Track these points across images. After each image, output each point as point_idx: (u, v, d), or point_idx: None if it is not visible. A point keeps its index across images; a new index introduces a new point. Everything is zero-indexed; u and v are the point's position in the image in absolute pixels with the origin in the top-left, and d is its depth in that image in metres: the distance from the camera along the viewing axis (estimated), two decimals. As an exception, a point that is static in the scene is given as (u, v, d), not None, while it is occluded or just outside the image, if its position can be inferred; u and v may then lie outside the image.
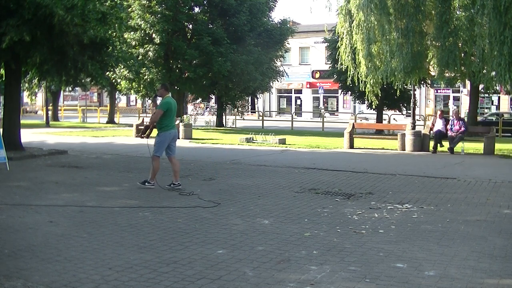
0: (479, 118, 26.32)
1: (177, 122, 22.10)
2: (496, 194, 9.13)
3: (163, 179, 9.84)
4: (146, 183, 9.50)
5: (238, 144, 18.69)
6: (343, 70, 19.23)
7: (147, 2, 25.95)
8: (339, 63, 19.61)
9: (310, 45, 49.07)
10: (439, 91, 44.29)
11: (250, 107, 51.37)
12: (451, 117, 17.57)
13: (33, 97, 32.90)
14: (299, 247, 5.80)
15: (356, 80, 18.11)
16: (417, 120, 24.18)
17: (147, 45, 26.10)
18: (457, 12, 16.26)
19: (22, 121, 16.08)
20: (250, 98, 43.48)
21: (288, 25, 30.38)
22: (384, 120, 28.81)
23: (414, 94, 21.60)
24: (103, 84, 16.31)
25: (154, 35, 25.77)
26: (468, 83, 27.00)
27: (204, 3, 28.13)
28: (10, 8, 12.16)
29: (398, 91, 20.51)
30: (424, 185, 10.00)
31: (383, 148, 17.61)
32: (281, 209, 7.79)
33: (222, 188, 9.46)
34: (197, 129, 26.51)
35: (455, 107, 34.95)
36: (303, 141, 20.18)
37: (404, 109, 28.66)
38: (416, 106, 28.14)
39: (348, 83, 20.67)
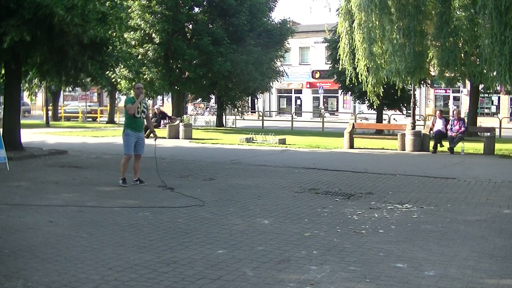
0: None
1: (177, 122, 22.14)
2: (496, 194, 9.13)
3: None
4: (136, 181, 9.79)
5: (238, 144, 18.69)
6: (343, 70, 19.22)
7: (147, 2, 25.95)
8: (339, 63, 19.61)
9: (310, 45, 49.08)
10: (439, 91, 44.30)
11: (250, 107, 51.37)
12: (451, 117, 17.57)
13: (33, 97, 32.95)
14: (299, 247, 5.80)
15: (355, 80, 18.11)
16: (417, 120, 24.18)
17: (146, 45, 26.10)
18: (457, 12, 16.25)
19: (22, 121, 16.08)
20: (250, 98, 43.47)
21: (288, 25, 30.38)
22: (384, 120, 28.81)
23: (414, 94, 21.59)
24: (103, 84, 16.32)
25: (154, 35, 25.77)
26: (468, 83, 26.99)
27: (204, 3, 28.13)
28: (10, 8, 12.17)
29: (399, 91, 20.52)
30: (424, 185, 10.00)
31: (383, 148, 17.61)
32: (281, 209, 7.79)
33: (222, 188, 9.46)
34: (197, 129, 26.51)
35: (455, 107, 34.96)
36: (303, 141, 20.18)
37: (404, 109, 28.67)
38: (416, 106, 28.14)
39: (347, 83, 20.68)
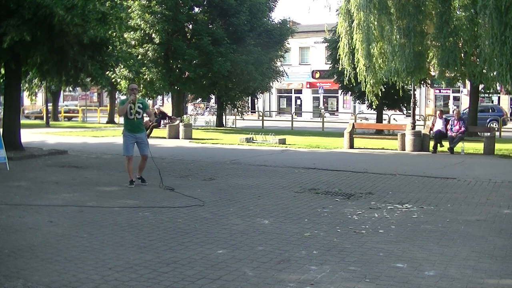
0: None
1: (177, 122, 22.13)
2: (496, 194, 9.13)
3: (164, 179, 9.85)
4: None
5: (238, 144, 18.68)
6: (343, 70, 19.25)
7: (147, 2, 25.95)
8: (339, 63, 19.64)
9: (310, 45, 49.09)
10: (439, 91, 44.30)
11: (250, 107, 51.38)
12: (451, 117, 17.57)
13: (33, 97, 32.97)
14: (299, 247, 5.80)
15: (353, 80, 18.12)
16: (417, 120, 24.18)
17: (146, 45, 26.10)
18: (457, 12, 16.27)
19: (22, 121, 16.08)
20: (250, 98, 43.47)
21: (288, 25, 30.38)
22: (384, 120, 28.81)
23: (414, 94, 21.59)
24: (103, 84, 16.32)
25: (154, 35, 25.77)
26: (468, 83, 27.00)
27: (204, 3, 28.13)
28: (10, 8, 12.17)
29: (400, 91, 20.51)
30: (424, 185, 10.00)
31: (383, 148, 17.61)
32: (281, 209, 7.79)
33: (222, 188, 9.46)
34: (197, 129, 26.51)
35: (455, 107, 34.97)
36: (303, 141, 20.18)
37: (404, 109, 28.69)
38: (416, 106, 28.13)
39: (345, 83, 20.69)
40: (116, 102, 38.32)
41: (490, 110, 33.66)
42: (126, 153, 9.67)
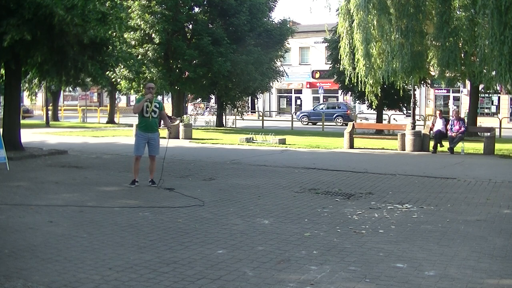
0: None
1: (177, 122, 22.12)
2: (496, 194, 9.13)
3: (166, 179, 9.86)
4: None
5: (238, 144, 18.68)
6: (343, 70, 19.27)
7: (147, 2, 25.95)
8: (339, 63, 19.65)
9: (310, 45, 49.09)
10: (439, 91, 44.30)
11: (250, 107, 51.38)
12: (451, 117, 17.59)
13: (33, 97, 32.94)
14: (299, 247, 5.80)
15: (354, 80, 18.13)
16: (417, 120, 24.20)
17: (146, 45, 26.09)
18: (457, 12, 16.28)
19: (22, 121, 16.06)
20: (250, 98, 43.49)
21: (288, 25, 30.39)
22: (384, 120, 28.82)
23: (414, 94, 21.60)
24: (103, 84, 16.31)
25: (154, 35, 25.76)
26: (468, 83, 26.98)
27: (204, 3, 28.13)
28: (10, 8, 12.16)
29: (401, 91, 20.48)
30: (424, 185, 10.00)
31: (383, 148, 17.61)
32: (281, 209, 7.79)
33: (222, 188, 9.46)
34: (197, 129, 26.51)
35: (455, 107, 34.99)
36: (303, 141, 20.18)
37: (404, 109, 28.70)
38: (416, 106, 28.16)
39: (347, 83, 20.70)
40: (116, 102, 38.36)
41: (337, 107, 37.82)
42: (136, 153, 9.65)
